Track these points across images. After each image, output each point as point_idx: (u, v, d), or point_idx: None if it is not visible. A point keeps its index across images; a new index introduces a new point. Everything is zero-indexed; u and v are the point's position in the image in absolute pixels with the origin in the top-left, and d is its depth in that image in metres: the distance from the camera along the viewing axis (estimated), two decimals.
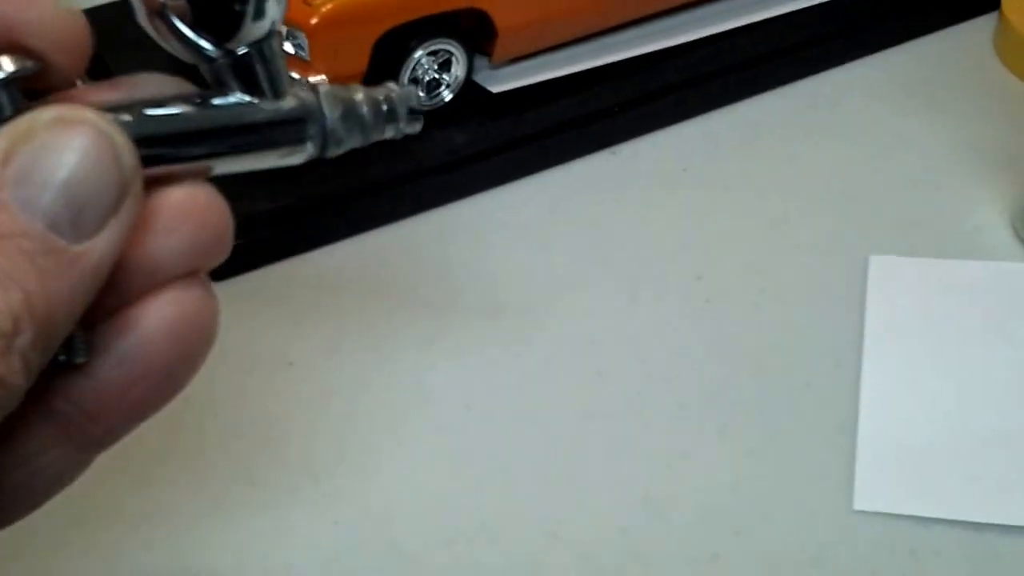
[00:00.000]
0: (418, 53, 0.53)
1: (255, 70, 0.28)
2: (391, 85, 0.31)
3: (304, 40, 0.51)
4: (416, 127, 0.31)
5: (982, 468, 0.44)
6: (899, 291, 0.50)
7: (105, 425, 0.27)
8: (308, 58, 0.51)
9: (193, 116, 0.28)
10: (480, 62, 0.56)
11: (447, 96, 0.55)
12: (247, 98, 0.28)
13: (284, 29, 0.51)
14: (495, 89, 0.56)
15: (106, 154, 0.25)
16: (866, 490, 0.44)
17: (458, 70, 0.55)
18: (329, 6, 0.50)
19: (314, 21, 0.50)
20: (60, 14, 0.27)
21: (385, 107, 0.30)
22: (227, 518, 0.44)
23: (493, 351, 0.49)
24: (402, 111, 0.30)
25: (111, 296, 0.26)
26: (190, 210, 0.27)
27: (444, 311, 0.51)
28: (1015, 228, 0.52)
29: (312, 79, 0.51)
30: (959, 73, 0.61)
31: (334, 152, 0.30)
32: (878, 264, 0.51)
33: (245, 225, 0.51)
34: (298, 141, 0.29)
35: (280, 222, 0.52)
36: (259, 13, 0.27)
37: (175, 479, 0.45)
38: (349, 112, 0.29)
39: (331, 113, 0.29)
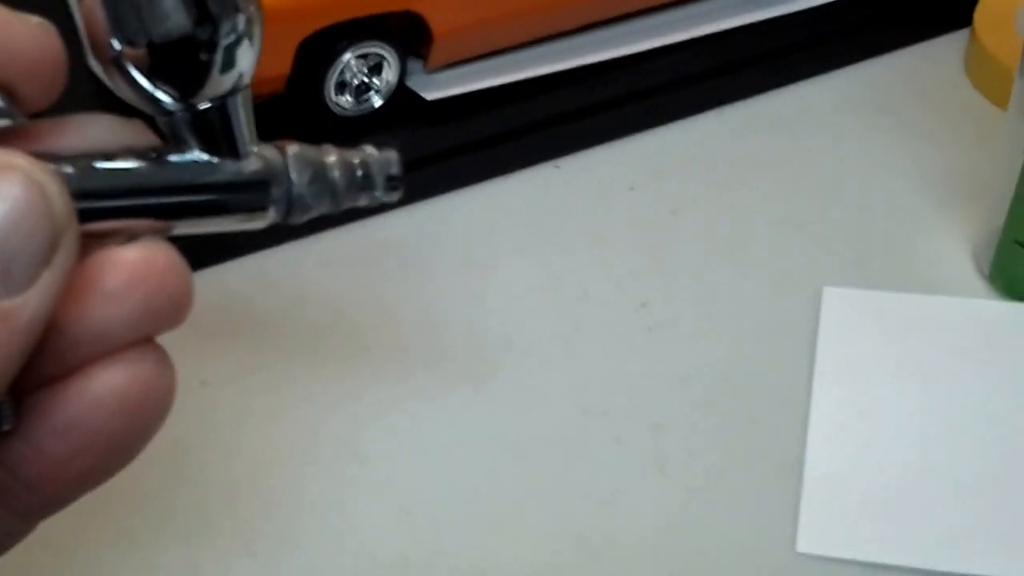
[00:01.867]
0: (346, 56, 0.56)
1: (217, 127, 0.28)
2: (368, 148, 0.31)
3: None
4: (394, 196, 0.31)
5: (930, 513, 0.47)
6: (852, 325, 0.53)
7: (45, 494, 0.28)
8: None
9: (143, 173, 0.28)
10: (414, 66, 0.58)
11: (377, 102, 0.58)
12: (206, 156, 0.28)
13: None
14: (430, 96, 0.58)
15: (37, 203, 0.25)
16: (810, 532, 0.47)
17: (389, 75, 0.57)
18: None
19: None
20: (32, 40, 0.27)
21: (360, 172, 0.31)
22: (137, 550, 0.46)
23: (419, 373, 0.52)
24: (379, 178, 0.31)
25: (54, 361, 0.27)
26: (145, 274, 0.27)
27: (369, 329, 0.53)
28: (977, 262, 0.55)
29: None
30: (927, 93, 0.64)
31: (299, 219, 0.30)
32: (832, 296, 0.54)
33: None
34: (260, 207, 0.29)
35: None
36: (227, 65, 0.28)
37: (79, 508, 0.46)
38: (319, 176, 0.30)
39: (299, 177, 0.29)
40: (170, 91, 0.28)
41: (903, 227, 0.58)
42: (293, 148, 0.30)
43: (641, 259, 0.56)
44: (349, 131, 0.57)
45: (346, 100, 0.57)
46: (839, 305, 0.54)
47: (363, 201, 0.31)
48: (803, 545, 0.47)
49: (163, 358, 0.28)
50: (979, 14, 0.65)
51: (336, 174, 0.30)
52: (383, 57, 0.57)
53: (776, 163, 0.61)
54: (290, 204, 0.30)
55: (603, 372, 0.52)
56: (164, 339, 0.50)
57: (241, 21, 0.28)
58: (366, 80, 0.57)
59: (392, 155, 0.32)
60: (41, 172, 0.25)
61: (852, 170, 0.60)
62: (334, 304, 0.54)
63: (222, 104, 0.28)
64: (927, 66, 0.66)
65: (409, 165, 0.56)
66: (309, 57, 0.55)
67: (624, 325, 0.54)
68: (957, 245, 0.57)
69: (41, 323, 0.25)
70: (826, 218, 0.58)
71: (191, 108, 0.28)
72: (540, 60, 0.60)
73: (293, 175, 0.29)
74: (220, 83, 0.28)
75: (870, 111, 0.63)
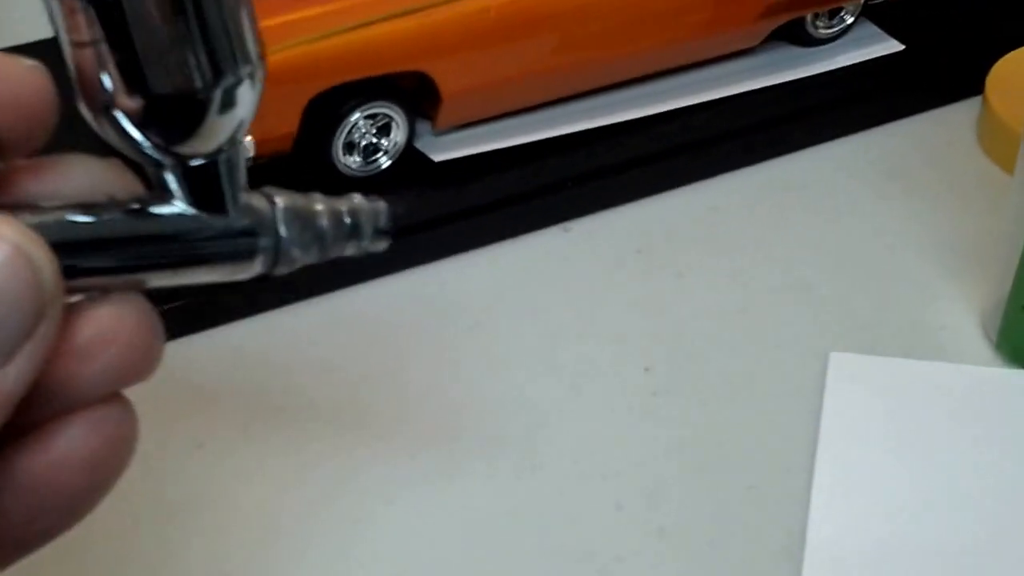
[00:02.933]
0: (354, 116, 0.55)
1: (208, 183, 0.27)
2: (356, 197, 0.30)
3: None
4: (382, 245, 0.30)
5: None
6: (858, 392, 0.51)
7: (4, 550, 0.27)
8: None
9: (126, 226, 0.27)
10: (422, 127, 0.57)
11: (385, 163, 0.56)
12: (193, 211, 0.27)
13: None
14: (438, 157, 0.57)
15: (23, 273, 0.24)
16: None
17: (398, 135, 0.56)
18: None
19: None
20: (23, 83, 0.27)
21: (348, 220, 0.29)
22: None
23: (420, 439, 0.50)
24: (367, 228, 0.30)
25: (20, 416, 0.25)
26: (116, 332, 0.26)
27: (370, 394, 0.52)
28: (985, 329, 0.54)
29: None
30: (938, 159, 0.63)
31: (286, 269, 0.29)
32: (838, 362, 0.52)
33: (154, 296, 0.52)
34: (246, 258, 0.28)
35: (193, 293, 0.52)
36: (223, 122, 0.26)
37: (65, 569, 0.45)
38: (307, 226, 0.29)
39: (287, 228, 0.28)
40: (161, 142, 0.26)
41: (911, 293, 0.56)
42: (281, 198, 0.29)
43: (647, 323, 0.55)
44: (356, 192, 0.55)
45: (354, 160, 0.56)
46: (845, 371, 0.52)
47: (351, 250, 0.30)
48: None
49: (128, 411, 0.28)
50: (991, 81, 0.64)
51: (324, 223, 0.29)
52: (391, 118, 0.56)
53: (784, 228, 0.59)
54: (277, 255, 0.28)
55: (605, 437, 0.50)
56: (165, 404, 0.49)
57: (244, 74, 0.27)
58: (374, 141, 0.55)
59: (381, 205, 0.31)
60: (30, 242, 0.24)
61: (861, 236, 0.59)
62: (335, 367, 0.53)
63: (215, 161, 0.27)
64: (939, 133, 0.64)
65: (416, 227, 0.56)
66: (317, 117, 0.54)
67: (627, 390, 0.52)
68: (966, 312, 0.55)
69: (20, 395, 0.25)
70: (834, 283, 0.56)
71: (181, 161, 0.27)
72: (549, 123, 0.59)
73: (281, 227, 0.28)
74: (215, 137, 0.27)
75: (881, 177, 0.62)
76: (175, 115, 0.26)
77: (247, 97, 0.27)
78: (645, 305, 0.55)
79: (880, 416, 0.50)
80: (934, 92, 0.65)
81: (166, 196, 0.27)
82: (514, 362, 0.53)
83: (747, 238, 0.59)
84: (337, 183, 0.55)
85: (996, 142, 0.62)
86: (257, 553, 0.46)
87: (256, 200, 0.28)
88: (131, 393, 0.49)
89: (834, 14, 0.64)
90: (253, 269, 0.28)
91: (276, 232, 0.28)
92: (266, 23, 0.52)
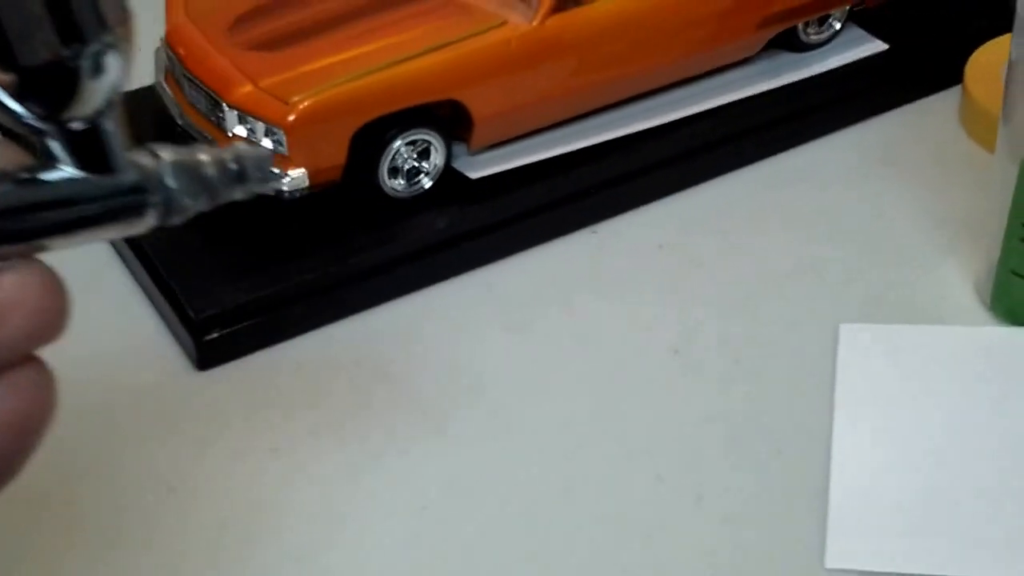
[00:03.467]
0: (396, 143, 0.57)
1: (90, 146, 0.27)
2: (239, 145, 0.30)
3: (283, 136, 0.55)
4: (271, 187, 0.31)
5: (948, 525, 0.48)
6: (868, 358, 0.54)
7: None
8: (287, 153, 0.55)
9: (18, 195, 0.27)
10: (459, 148, 0.60)
11: (427, 184, 0.59)
12: (80, 173, 0.27)
13: (262, 125, 0.55)
14: (474, 175, 0.60)
15: None
16: (837, 548, 0.47)
17: (437, 158, 0.59)
18: (306, 103, 0.55)
19: (292, 118, 0.55)
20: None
21: (234, 167, 0.30)
22: None
23: (474, 432, 0.53)
24: (253, 172, 0.30)
25: None
26: (23, 297, 0.26)
27: (424, 394, 0.54)
28: (979, 293, 0.56)
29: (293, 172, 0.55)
30: (926, 145, 0.65)
31: (179, 219, 0.29)
32: (848, 332, 0.55)
33: (228, 316, 0.56)
34: (138, 213, 0.28)
35: (262, 312, 0.56)
36: (97, 84, 0.26)
37: (159, 570, 0.48)
38: (194, 176, 0.29)
39: (175, 180, 0.28)
40: (40, 111, 0.26)
41: (911, 266, 0.59)
42: (166, 152, 0.29)
43: (672, 310, 0.57)
44: (401, 211, 0.59)
45: (399, 183, 0.58)
46: (855, 340, 0.55)
47: (239, 195, 0.30)
48: (831, 561, 0.47)
49: (43, 372, 0.27)
50: (969, 71, 0.66)
51: (210, 172, 0.29)
52: (430, 143, 0.58)
53: (791, 215, 0.62)
54: (169, 207, 0.29)
55: (642, 416, 0.53)
56: (242, 414, 0.52)
57: (110, 39, 0.27)
58: (416, 164, 0.58)
59: (264, 151, 0.31)
60: None
61: (861, 217, 0.61)
62: (393, 371, 0.55)
63: (96, 123, 0.27)
64: (925, 120, 0.67)
65: (457, 239, 0.58)
66: (362, 146, 0.57)
67: (658, 372, 0.55)
68: (960, 280, 0.57)
69: None
70: (840, 262, 0.59)
71: (63, 127, 0.27)
72: (573, 137, 0.62)
73: (168, 179, 0.28)
74: (91, 102, 0.27)
75: (876, 164, 0.64)
76: (49, 84, 0.26)
77: (115, 63, 0.27)
78: (670, 294, 0.58)
79: (889, 378, 0.53)
80: (918, 84, 0.68)
81: (53, 163, 0.27)
82: (552, 353, 0.55)
83: (758, 227, 0.61)
84: (385, 204, 0.58)
85: (977, 125, 0.65)
86: (328, 541, 0.48)
87: (141, 157, 0.28)
88: (210, 405, 0.53)
89: (823, 21, 0.67)
90: (147, 223, 0.28)
91: (164, 185, 0.28)
92: (311, 66, 0.56)
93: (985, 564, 0.47)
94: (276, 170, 0.30)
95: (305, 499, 0.50)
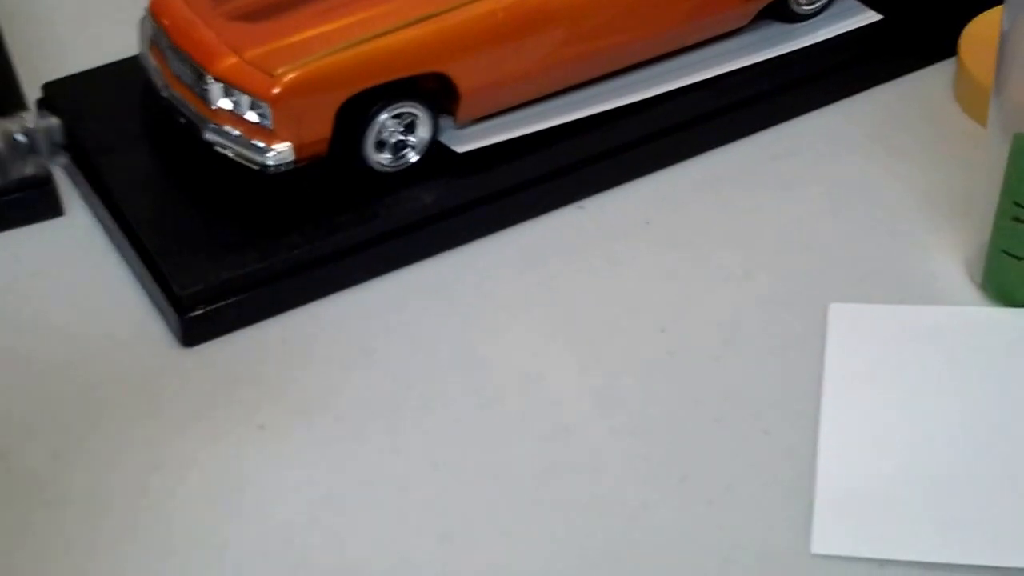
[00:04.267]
0: (382, 116, 0.56)
1: None
2: (26, 116, 0.29)
3: (268, 110, 0.54)
4: (61, 160, 0.29)
5: (937, 510, 0.47)
6: (857, 337, 0.53)
7: None
8: (272, 127, 0.54)
9: None
10: (445, 121, 0.59)
11: (413, 158, 0.58)
12: None
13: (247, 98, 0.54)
14: (460, 149, 0.59)
15: None
16: (824, 534, 0.46)
17: (423, 132, 0.58)
18: (291, 76, 0.53)
19: (276, 91, 0.53)
20: None
21: (23, 139, 0.29)
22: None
23: (460, 409, 0.52)
24: (44, 145, 0.29)
25: None
26: None
27: (411, 370, 0.53)
28: (970, 273, 0.55)
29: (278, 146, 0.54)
30: (919, 119, 0.64)
31: None
32: (837, 312, 0.54)
33: (212, 293, 0.55)
34: None
35: (248, 288, 0.55)
36: None
37: (146, 548, 0.47)
38: None
39: None
40: None
41: (901, 245, 0.58)
42: None
43: (659, 288, 0.56)
44: (387, 185, 0.57)
45: (385, 157, 0.57)
46: (844, 319, 0.54)
47: (31, 168, 0.30)
48: (817, 546, 0.46)
49: None
50: (964, 41, 0.65)
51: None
52: (416, 116, 0.57)
53: (781, 192, 0.60)
54: None
55: (628, 395, 0.52)
56: (228, 391, 0.51)
57: None
58: (402, 138, 0.57)
59: (54, 122, 0.30)
60: None
61: (852, 195, 0.60)
62: (380, 346, 0.54)
63: None
64: (919, 94, 0.65)
65: (445, 214, 0.57)
66: (348, 120, 0.56)
67: (645, 351, 0.54)
68: (951, 258, 0.56)
69: None
70: (828, 241, 0.58)
71: None
72: (560, 111, 0.61)
73: None
74: None
75: (868, 139, 0.63)
76: None
77: None
78: (657, 272, 0.57)
79: (878, 359, 0.52)
80: (912, 56, 0.66)
81: None
82: (539, 331, 0.54)
83: (747, 204, 0.60)
84: (370, 179, 0.57)
85: (971, 99, 0.63)
86: (314, 517, 0.48)
87: None
88: (197, 383, 0.52)
89: None
90: None
91: None
92: (296, 37, 0.55)
93: (973, 551, 0.46)
94: (64, 142, 0.29)
95: (291, 476, 0.49)
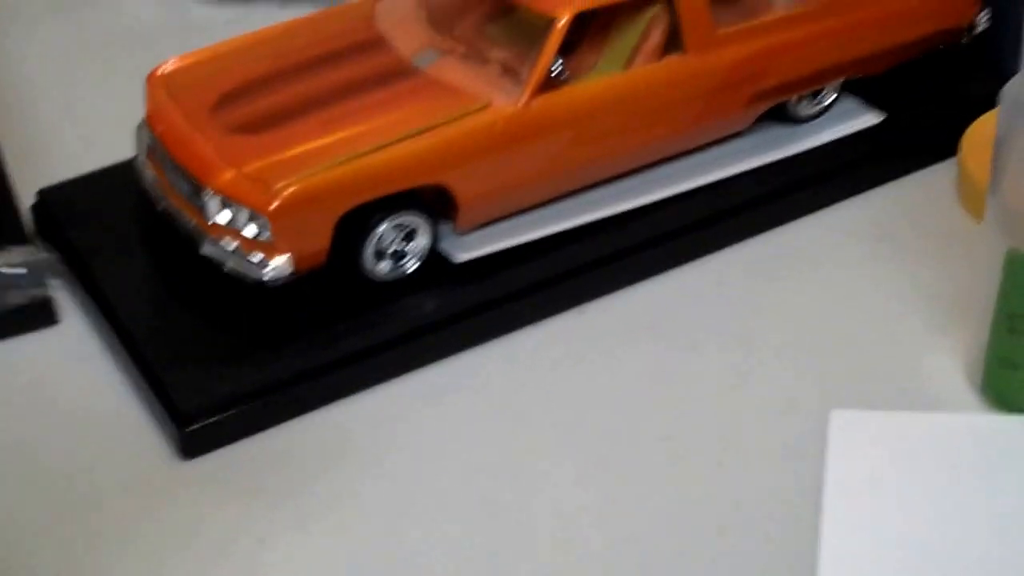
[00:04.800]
0: (381, 227, 0.56)
1: None
2: (21, 251, 0.29)
3: (267, 223, 0.53)
4: (46, 293, 0.28)
5: None
6: (858, 445, 0.52)
7: None
8: (271, 240, 0.54)
9: None
10: (445, 228, 0.58)
11: (412, 266, 0.58)
12: None
13: (246, 212, 0.54)
14: (460, 258, 0.58)
15: None
16: None
17: (422, 240, 0.57)
18: (291, 190, 0.53)
19: (275, 206, 0.53)
20: None
21: (17, 272, 0.28)
22: None
23: (459, 519, 0.51)
24: (38, 278, 0.28)
25: None
26: None
27: (413, 479, 0.53)
28: (971, 376, 0.54)
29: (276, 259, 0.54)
30: (923, 219, 0.63)
31: None
32: (838, 419, 0.53)
33: (213, 406, 0.54)
34: None
35: (248, 399, 0.54)
36: None
37: None
38: None
39: None
40: None
41: (903, 348, 0.57)
42: None
43: (662, 393, 0.56)
44: (386, 294, 0.57)
45: (384, 267, 0.57)
46: (845, 427, 0.53)
47: (23, 300, 0.29)
48: None
49: None
50: (965, 142, 0.64)
51: None
52: (415, 225, 0.57)
53: (784, 294, 0.60)
54: None
55: (629, 504, 0.51)
56: (227, 502, 0.51)
57: None
58: (401, 247, 0.57)
59: (49, 257, 0.29)
60: None
61: (854, 297, 0.60)
62: (380, 456, 0.54)
63: None
64: (921, 194, 0.65)
65: (444, 322, 0.57)
66: (346, 231, 0.55)
67: (647, 459, 0.53)
68: (952, 361, 0.56)
69: None
70: (830, 343, 0.58)
71: None
72: (561, 216, 0.60)
73: None
74: None
75: (870, 240, 0.62)
76: None
77: None
78: (659, 376, 0.56)
79: (879, 467, 0.51)
80: (914, 157, 0.66)
81: None
82: (541, 437, 0.54)
83: (750, 306, 0.59)
84: (369, 288, 0.57)
85: (973, 200, 0.62)
86: None
87: None
88: (196, 495, 0.51)
89: (816, 93, 0.65)
90: None
91: None
92: (295, 151, 0.55)
93: None
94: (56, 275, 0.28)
95: None
